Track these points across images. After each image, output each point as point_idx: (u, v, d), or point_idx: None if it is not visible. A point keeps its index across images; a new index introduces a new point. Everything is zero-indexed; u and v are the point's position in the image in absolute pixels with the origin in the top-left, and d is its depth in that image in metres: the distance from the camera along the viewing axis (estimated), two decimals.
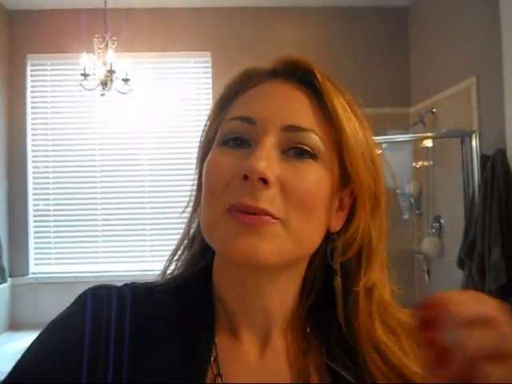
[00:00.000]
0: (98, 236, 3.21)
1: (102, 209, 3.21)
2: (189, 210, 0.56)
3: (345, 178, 0.48)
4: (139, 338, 0.46)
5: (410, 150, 3.15)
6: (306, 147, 0.45)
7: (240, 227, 0.43)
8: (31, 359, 0.44)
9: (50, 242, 3.19)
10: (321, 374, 0.49)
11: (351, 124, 0.47)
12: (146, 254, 3.19)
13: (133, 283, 0.52)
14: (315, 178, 0.45)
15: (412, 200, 3.10)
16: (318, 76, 0.47)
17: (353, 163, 0.46)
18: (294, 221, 0.44)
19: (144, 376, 0.44)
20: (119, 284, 0.52)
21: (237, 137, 0.46)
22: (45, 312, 2.93)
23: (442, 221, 2.83)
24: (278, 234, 0.43)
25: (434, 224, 2.86)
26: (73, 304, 0.49)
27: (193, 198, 0.55)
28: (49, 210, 3.20)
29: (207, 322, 0.48)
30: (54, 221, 3.20)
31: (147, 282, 0.53)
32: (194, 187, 0.55)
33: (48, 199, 3.21)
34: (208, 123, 0.53)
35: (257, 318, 0.49)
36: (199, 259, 0.54)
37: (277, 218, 0.43)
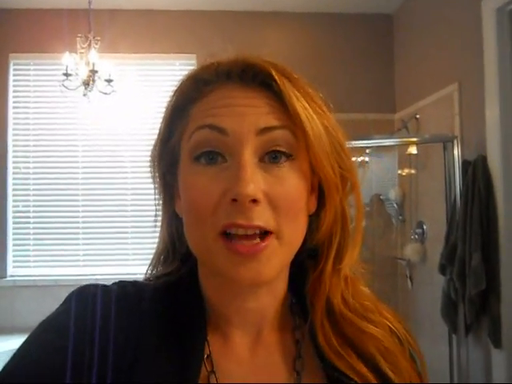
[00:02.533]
0: (78, 239, 3.15)
1: (83, 211, 3.17)
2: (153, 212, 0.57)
3: (312, 168, 0.49)
4: (131, 336, 0.46)
5: (395, 157, 3.17)
6: (281, 149, 0.45)
7: (240, 258, 0.44)
8: (19, 361, 0.43)
9: (29, 244, 3.13)
10: (313, 362, 0.50)
11: (314, 126, 0.46)
12: (128, 258, 3.15)
13: (122, 281, 0.52)
14: (295, 181, 0.46)
15: (396, 206, 3.11)
16: (278, 79, 0.46)
17: (319, 166, 0.47)
18: (286, 230, 0.45)
19: (138, 374, 0.44)
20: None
21: (209, 151, 0.46)
22: (23, 316, 2.87)
23: (424, 227, 2.84)
24: (274, 250, 0.45)
25: (417, 230, 2.87)
26: (62, 304, 0.48)
27: (161, 211, 0.55)
28: (29, 212, 3.15)
29: (198, 321, 0.49)
30: (34, 222, 3.15)
31: (135, 281, 0.53)
32: (159, 196, 0.55)
33: (28, 200, 3.15)
34: (165, 132, 0.52)
35: (248, 318, 0.50)
36: (181, 265, 0.54)
37: (270, 232, 0.44)
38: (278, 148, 0.45)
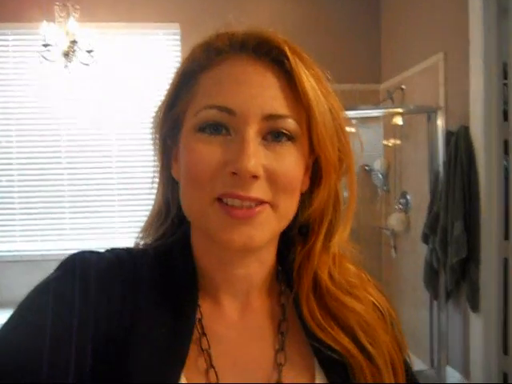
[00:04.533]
0: (64, 212, 3.14)
1: (68, 185, 3.14)
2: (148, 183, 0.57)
3: (311, 149, 0.50)
4: (127, 301, 0.47)
5: (380, 128, 3.18)
6: (284, 131, 0.47)
7: (233, 220, 0.45)
8: (15, 324, 0.44)
9: (14, 219, 3.12)
10: (297, 325, 0.53)
11: (321, 107, 0.48)
12: (115, 231, 3.16)
13: (115, 248, 0.53)
14: (294, 160, 0.48)
15: (380, 176, 3.14)
16: (290, 57, 0.47)
17: (321, 146, 0.48)
18: (281, 202, 0.47)
19: (134, 337, 0.45)
20: None
21: (215, 123, 0.47)
22: (10, 291, 2.87)
23: (408, 197, 2.88)
24: (268, 218, 0.47)
25: (401, 200, 2.92)
26: (57, 269, 0.49)
27: (158, 173, 0.55)
28: (13, 186, 3.11)
29: (191, 286, 0.50)
30: (19, 197, 3.12)
31: (129, 248, 0.54)
32: (158, 162, 0.55)
33: (12, 175, 3.11)
34: (171, 97, 0.52)
35: (237, 284, 0.52)
36: (173, 231, 0.55)
37: (266, 202, 0.46)
38: (281, 130, 0.47)
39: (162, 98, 0.53)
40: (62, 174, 3.14)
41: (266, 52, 0.48)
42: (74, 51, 2.50)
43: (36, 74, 3.05)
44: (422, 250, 2.47)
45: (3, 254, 3.02)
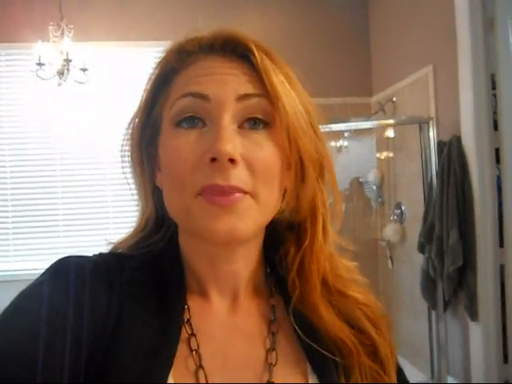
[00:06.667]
0: (59, 231, 3.12)
1: (63, 203, 3.13)
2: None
3: (289, 142, 0.50)
4: (113, 303, 0.47)
5: (373, 140, 3.22)
6: (259, 116, 0.47)
7: (217, 209, 0.45)
8: (5, 330, 0.42)
9: (8, 239, 3.09)
10: (287, 326, 0.53)
11: (290, 99, 0.48)
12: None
13: (102, 253, 0.53)
14: (271, 147, 0.47)
15: (375, 188, 3.16)
16: (256, 53, 0.48)
17: (296, 136, 0.48)
18: (262, 192, 0.47)
19: (120, 339, 0.45)
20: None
21: (190, 116, 0.47)
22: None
23: (402, 207, 2.90)
24: (250, 207, 0.46)
25: (396, 211, 2.93)
26: (42, 274, 0.48)
27: (139, 187, 0.55)
28: (7, 206, 3.10)
29: (178, 287, 0.50)
30: (13, 216, 3.10)
31: (116, 252, 0.54)
32: (140, 168, 0.54)
33: (6, 194, 3.10)
34: (146, 103, 0.52)
35: (225, 282, 0.52)
36: (161, 237, 0.54)
37: (246, 192, 0.46)
38: (256, 115, 0.47)
39: (137, 107, 0.53)
40: (57, 193, 3.12)
41: (233, 49, 0.49)
42: (68, 69, 2.51)
43: (29, 94, 3.06)
44: (419, 259, 2.47)
45: None
